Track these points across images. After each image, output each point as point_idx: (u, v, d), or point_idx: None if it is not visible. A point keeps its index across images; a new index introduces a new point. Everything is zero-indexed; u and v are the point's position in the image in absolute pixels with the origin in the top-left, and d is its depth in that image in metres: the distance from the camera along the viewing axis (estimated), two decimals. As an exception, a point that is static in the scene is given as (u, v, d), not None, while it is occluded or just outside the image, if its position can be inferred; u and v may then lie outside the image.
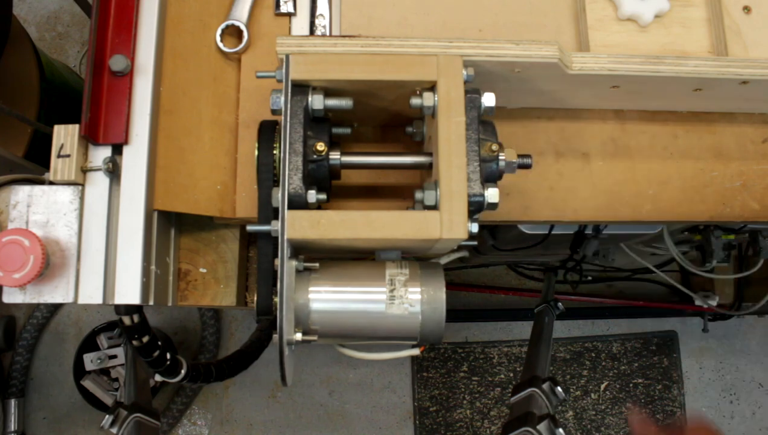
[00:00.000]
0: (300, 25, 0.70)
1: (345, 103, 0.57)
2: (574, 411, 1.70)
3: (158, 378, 0.66)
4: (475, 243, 0.57)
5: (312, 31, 0.69)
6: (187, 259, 0.70)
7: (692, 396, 1.73)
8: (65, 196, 0.59)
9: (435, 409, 1.67)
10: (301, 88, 0.56)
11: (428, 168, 0.60)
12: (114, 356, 1.55)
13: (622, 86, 0.64)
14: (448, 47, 0.57)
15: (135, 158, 0.59)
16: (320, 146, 0.56)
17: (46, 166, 0.58)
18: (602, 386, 1.71)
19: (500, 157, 0.57)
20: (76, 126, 0.58)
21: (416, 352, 0.65)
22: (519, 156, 0.59)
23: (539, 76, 0.62)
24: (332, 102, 0.57)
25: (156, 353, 0.63)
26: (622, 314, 1.72)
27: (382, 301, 0.55)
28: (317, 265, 0.57)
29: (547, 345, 0.93)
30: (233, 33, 0.68)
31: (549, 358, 0.90)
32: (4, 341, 1.57)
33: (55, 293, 0.57)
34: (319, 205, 0.59)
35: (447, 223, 0.53)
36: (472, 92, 0.57)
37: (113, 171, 0.59)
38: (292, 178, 0.54)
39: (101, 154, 0.59)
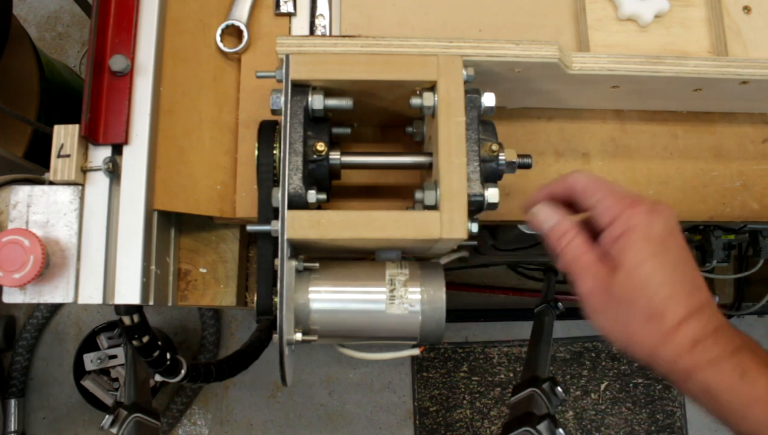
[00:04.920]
0: (300, 25, 0.70)
1: (345, 103, 0.57)
2: (574, 411, 1.70)
3: (158, 378, 0.66)
4: (475, 243, 0.57)
5: (312, 31, 0.69)
6: (187, 259, 0.70)
7: (692, 396, 1.73)
8: (65, 196, 0.59)
9: (435, 409, 1.67)
10: (301, 88, 0.56)
11: (428, 168, 0.60)
12: (114, 356, 1.55)
13: (622, 86, 0.64)
14: (448, 47, 0.57)
15: (135, 158, 0.59)
16: (320, 146, 0.56)
17: (46, 166, 0.58)
18: (602, 386, 1.71)
19: (500, 157, 0.57)
20: (76, 126, 0.58)
21: (416, 352, 0.65)
22: (519, 156, 0.59)
23: (539, 76, 0.62)
24: (332, 102, 0.57)
25: (156, 353, 0.63)
26: (623, 314, 1.71)
27: (382, 301, 0.55)
28: (317, 265, 0.57)
29: (547, 345, 0.93)
30: (233, 33, 0.68)
31: (549, 358, 0.90)
32: (4, 341, 1.57)
33: (55, 293, 0.57)
34: (319, 205, 0.59)
35: (447, 223, 0.53)
36: (472, 92, 0.57)
37: (113, 171, 0.59)
38: (292, 178, 0.54)
39: (101, 154, 0.59)
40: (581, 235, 0.49)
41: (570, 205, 0.52)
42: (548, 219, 0.51)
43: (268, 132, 0.58)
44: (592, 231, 0.50)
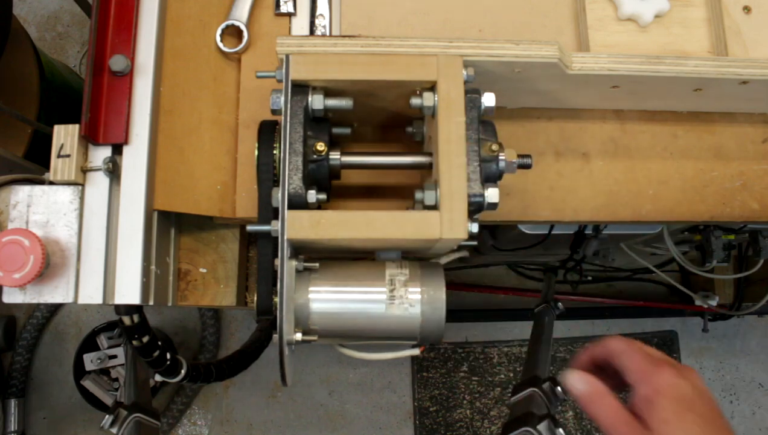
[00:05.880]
0: (300, 25, 0.70)
1: (345, 103, 0.57)
2: (574, 411, 1.69)
3: (158, 378, 0.66)
4: (476, 243, 0.57)
5: (312, 31, 0.69)
6: (187, 259, 0.70)
7: (692, 396, 1.72)
8: (65, 196, 0.59)
9: (435, 409, 1.67)
10: (301, 88, 0.56)
11: (428, 168, 0.60)
12: (114, 356, 1.54)
13: (622, 86, 0.64)
14: (448, 47, 0.57)
15: (135, 158, 0.59)
16: (320, 146, 0.56)
17: (46, 166, 0.58)
18: (602, 386, 1.70)
19: (500, 157, 0.57)
20: (76, 126, 0.58)
21: (416, 352, 0.65)
22: (519, 156, 0.59)
23: (539, 76, 0.62)
24: (332, 102, 0.57)
25: (156, 353, 0.63)
26: (622, 314, 1.72)
27: (382, 301, 0.55)
28: (317, 265, 0.57)
29: (547, 345, 0.93)
30: (233, 33, 0.68)
31: (549, 358, 0.90)
32: (4, 341, 1.57)
33: (55, 293, 0.57)
34: (319, 205, 0.59)
35: (447, 223, 0.53)
36: (472, 92, 0.57)
37: (113, 171, 0.59)
38: (292, 178, 0.54)
39: (101, 154, 0.59)
40: (611, 396, 0.51)
41: (607, 367, 0.54)
42: (577, 383, 0.53)
43: (268, 132, 0.58)
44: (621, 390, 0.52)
